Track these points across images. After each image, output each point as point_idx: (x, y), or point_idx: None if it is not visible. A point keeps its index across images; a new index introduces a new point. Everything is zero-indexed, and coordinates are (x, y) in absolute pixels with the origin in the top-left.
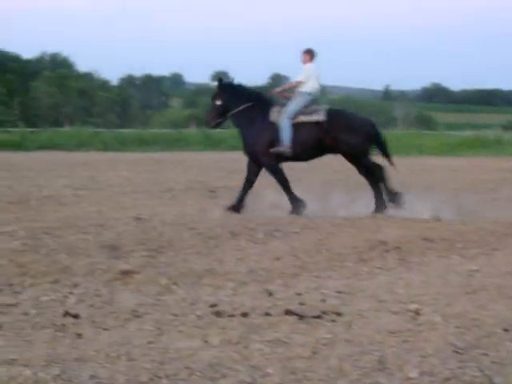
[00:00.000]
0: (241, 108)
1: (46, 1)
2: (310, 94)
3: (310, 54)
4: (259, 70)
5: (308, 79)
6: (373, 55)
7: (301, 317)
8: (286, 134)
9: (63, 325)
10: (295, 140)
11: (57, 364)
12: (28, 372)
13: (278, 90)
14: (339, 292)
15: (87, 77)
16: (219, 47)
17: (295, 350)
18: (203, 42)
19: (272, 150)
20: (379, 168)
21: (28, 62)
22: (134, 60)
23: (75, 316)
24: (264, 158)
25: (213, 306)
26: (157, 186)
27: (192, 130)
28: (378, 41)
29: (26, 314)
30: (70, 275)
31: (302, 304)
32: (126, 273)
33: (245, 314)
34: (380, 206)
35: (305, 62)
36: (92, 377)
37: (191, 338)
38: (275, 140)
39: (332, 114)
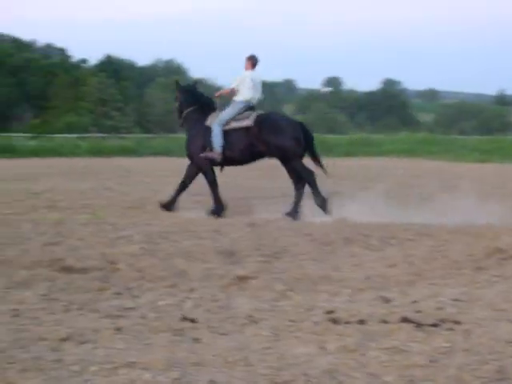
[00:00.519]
0: (187, 110)
1: (159, 9)
2: (243, 102)
3: (251, 61)
4: (371, 76)
5: (242, 87)
6: (487, 60)
7: (418, 325)
8: (216, 141)
9: (181, 329)
10: (227, 146)
11: (176, 368)
12: (147, 375)
13: (217, 94)
14: (456, 300)
15: (201, 83)
16: (331, 52)
17: (413, 359)
18: (315, 48)
19: (201, 155)
20: (310, 173)
21: (143, 68)
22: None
23: (193, 320)
24: (197, 161)
25: (329, 312)
26: (269, 191)
27: None
28: (493, 46)
29: (144, 317)
30: (186, 280)
31: (418, 312)
32: (242, 278)
33: (361, 321)
34: (293, 211)
35: (246, 68)
36: (210, 381)
37: (308, 344)
38: (207, 145)
39: (261, 118)
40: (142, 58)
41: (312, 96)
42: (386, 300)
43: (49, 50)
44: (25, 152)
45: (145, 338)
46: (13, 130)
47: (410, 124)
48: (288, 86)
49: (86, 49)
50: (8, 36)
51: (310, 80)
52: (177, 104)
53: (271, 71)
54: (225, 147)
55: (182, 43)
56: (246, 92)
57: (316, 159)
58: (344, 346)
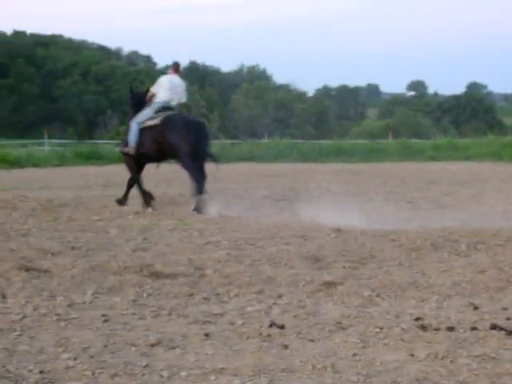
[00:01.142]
0: (129, 112)
1: (241, 16)
2: (159, 103)
3: (173, 67)
4: (456, 79)
5: (160, 90)
6: None
7: (508, 332)
8: (131, 137)
9: (269, 335)
10: (140, 142)
11: (264, 374)
12: (237, 381)
13: (147, 99)
14: None
15: (284, 89)
16: (415, 56)
17: (504, 366)
18: (399, 52)
19: (121, 149)
20: (196, 174)
21: (227, 74)
22: (329, 71)
23: (281, 327)
24: (124, 156)
25: (418, 319)
26: (356, 196)
27: (389, 141)
28: None
29: (232, 323)
30: (273, 286)
31: (508, 319)
32: (329, 284)
33: (451, 328)
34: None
35: (169, 73)
36: None
37: (396, 351)
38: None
39: (165, 118)
40: (227, 64)
41: (396, 100)
42: (475, 307)
43: (134, 57)
44: (111, 158)
45: (233, 344)
46: (99, 137)
47: (496, 128)
48: (372, 90)
49: (171, 56)
50: (95, 44)
51: (394, 84)
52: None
53: (354, 76)
54: (138, 143)
55: (266, 49)
56: (163, 94)
57: (211, 160)
58: (433, 354)
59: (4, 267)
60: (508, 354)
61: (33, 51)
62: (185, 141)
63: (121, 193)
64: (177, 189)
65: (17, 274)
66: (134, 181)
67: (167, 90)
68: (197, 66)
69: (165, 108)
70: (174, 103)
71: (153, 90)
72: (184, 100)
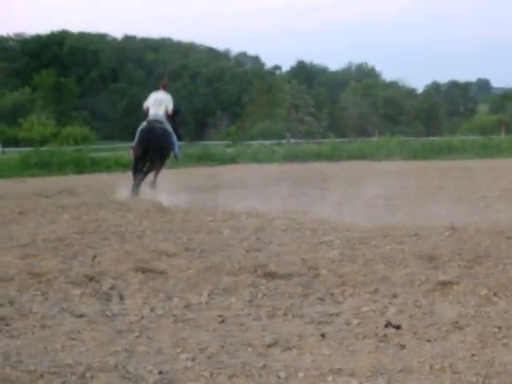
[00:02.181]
0: None
1: (346, 14)
2: (149, 116)
3: (161, 85)
4: None
5: (148, 106)
6: None
7: None
8: (135, 140)
9: (385, 335)
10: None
11: (382, 375)
12: (354, 382)
13: (144, 112)
14: None
15: (393, 86)
16: None
17: None
18: (510, 45)
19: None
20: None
21: (335, 73)
22: (439, 67)
23: (397, 327)
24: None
25: None
26: (469, 193)
27: (501, 136)
28: None
29: (347, 323)
30: (388, 285)
31: None
32: (444, 283)
33: None
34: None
35: (158, 90)
36: None
37: None
38: None
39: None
40: (334, 62)
41: (508, 95)
42: None
43: (242, 58)
44: (224, 159)
45: (350, 345)
46: (209, 138)
47: None
48: (482, 85)
49: (279, 56)
50: (203, 46)
51: (506, 79)
52: None
53: (464, 71)
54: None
55: (374, 46)
56: (151, 109)
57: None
58: None
59: (121, 269)
60: None
61: (142, 55)
62: (137, 146)
63: (231, 193)
64: (287, 188)
65: (133, 276)
66: (133, 175)
67: (153, 106)
68: (304, 66)
69: (152, 120)
70: (161, 113)
71: (144, 105)
72: (170, 109)
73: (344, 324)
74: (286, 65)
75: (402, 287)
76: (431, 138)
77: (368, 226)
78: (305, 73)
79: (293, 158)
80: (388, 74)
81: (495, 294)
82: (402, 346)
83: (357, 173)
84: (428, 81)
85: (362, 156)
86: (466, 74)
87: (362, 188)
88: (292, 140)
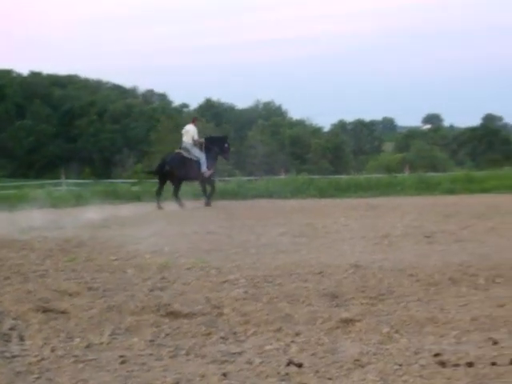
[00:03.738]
0: None
1: (256, 54)
2: (182, 143)
3: (192, 119)
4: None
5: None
6: None
7: None
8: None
9: (287, 374)
10: None
11: None
12: None
13: None
14: None
15: (300, 124)
16: (431, 89)
17: None
18: (414, 86)
19: None
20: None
21: (243, 111)
22: (345, 106)
23: (299, 365)
24: None
25: (437, 355)
26: (374, 231)
27: (406, 174)
28: None
29: (250, 362)
30: (291, 324)
31: None
32: (347, 321)
33: (470, 364)
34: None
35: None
36: None
37: None
38: None
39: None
40: (242, 100)
41: (412, 134)
42: (495, 341)
43: (150, 95)
44: (129, 197)
45: None
46: (117, 176)
47: None
48: (387, 124)
49: (187, 93)
50: (110, 83)
51: (410, 118)
52: None
53: (370, 111)
54: None
55: (281, 85)
56: (183, 138)
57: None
58: None
59: (22, 309)
60: None
61: (49, 91)
62: (160, 171)
63: (136, 231)
64: (193, 227)
65: (34, 316)
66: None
67: (183, 136)
68: (212, 104)
69: (182, 147)
70: (189, 142)
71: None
72: (195, 138)
73: (246, 363)
74: (194, 102)
75: (304, 325)
76: (338, 176)
77: (273, 264)
78: (212, 111)
79: (198, 196)
80: (295, 113)
81: (397, 332)
82: None
83: (263, 211)
84: (334, 119)
85: (268, 194)
86: (372, 113)
87: (268, 226)
88: None
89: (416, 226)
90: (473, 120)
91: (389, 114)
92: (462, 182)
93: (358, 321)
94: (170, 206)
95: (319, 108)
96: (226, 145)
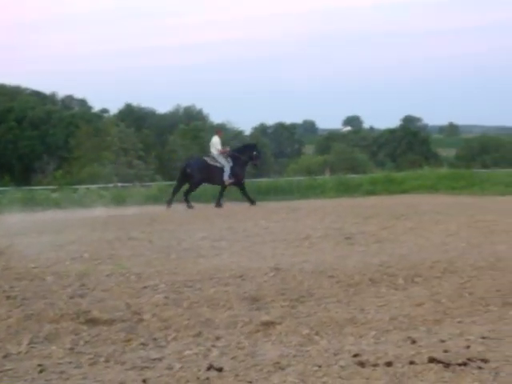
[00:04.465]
0: None
1: (177, 58)
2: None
3: (216, 131)
4: (391, 113)
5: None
6: (506, 92)
7: (446, 364)
8: None
9: (207, 378)
10: None
11: None
12: None
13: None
14: (484, 338)
15: (221, 128)
16: (350, 92)
17: None
18: (334, 88)
19: None
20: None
21: (163, 116)
22: (265, 109)
23: (219, 369)
24: None
25: (356, 355)
26: (294, 234)
27: (326, 177)
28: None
29: (170, 368)
30: (212, 328)
31: (446, 351)
32: (267, 324)
33: (389, 363)
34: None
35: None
36: None
37: None
38: None
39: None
40: (163, 105)
41: (332, 136)
42: (413, 340)
43: (69, 101)
44: (48, 204)
45: None
46: (37, 183)
47: (432, 160)
48: (308, 127)
49: (107, 99)
50: (29, 89)
51: (330, 120)
52: None
53: (290, 113)
54: None
55: (201, 89)
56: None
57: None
58: None
59: None
60: None
61: None
62: (181, 174)
63: (56, 238)
64: (114, 233)
65: None
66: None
67: (211, 147)
68: (132, 109)
69: (209, 155)
70: (213, 151)
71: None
72: (219, 148)
73: (166, 369)
74: (114, 108)
75: (225, 329)
76: (259, 180)
77: (194, 269)
78: (133, 116)
79: (120, 202)
80: (216, 117)
81: (317, 333)
82: None
83: (184, 215)
84: (255, 123)
85: (191, 199)
86: (293, 116)
87: (189, 231)
88: (119, 184)
89: (336, 228)
90: (392, 122)
91: (309, 117)
92: (382, 183)
93: (279, 323)
94: (95, 211)
95: (240, 112)
96: (255, 152)
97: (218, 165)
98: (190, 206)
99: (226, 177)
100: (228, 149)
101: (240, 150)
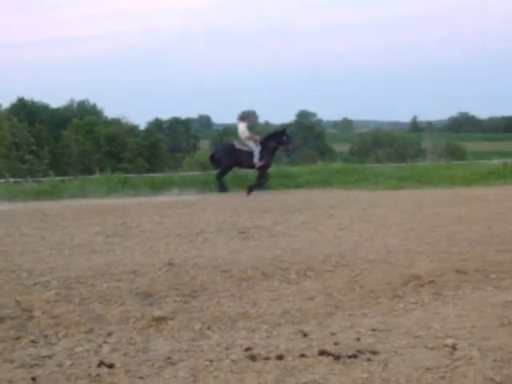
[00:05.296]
0: None
1: (70, 51)
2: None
3: (241, 117)
4: (286, 108)
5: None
6: (398, 87)
7: (336, 357)
8: None
9: (98, 375)
10: None
11: None
12: None
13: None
14: (374, 330)
15: (115, 123)
16: (245, 86)
17: None
18: (230, 83)
19: None
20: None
21: (57, 110)
22: (160, 104)
23: (110, 366)
24: None
25: (248, 349)
26: (188, 229)
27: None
28: (403, 73)
29: (60, 365)
30: (103, 324)
31: (336, 344)
32: (159, 319)
33: (280, 357)
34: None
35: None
36: None
37: (226, 383)
38: None
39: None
40: (56, 99)
41: (228, 131)
42: (305, 334)
43: None
44: None
45: None
46: None
47: (326, 154)
48: (203, 121)
49: None
50: None
51: (226, 115)
52: None
53: (186, 108)
54: None
55: (96, 83)
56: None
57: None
58: (263, 383)
59: None
60: (336, 378)
61: None
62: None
63: None
64: (5, 229)
65: None
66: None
67: (238, 133)
68: (25, 103)
69: (237, 140)
70: (240, 136)
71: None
72: (246, 135)
73: (56, 366)
74: (6, 102)
75: (117, 325)
76: (154, 175)
77: (86, 265)
78: (26, 110)
79: (12, 197)
80: (110, 112)
81: (209, 328)
82: None
83: (78, 211)
84: (150, 118)
85: (83, 194)
86: (188, 111)
87: (82, 226)
88: (11, 179)
89: (231, 223)
90: (287, 117)
91: (205, 112)
92: (277, 177)
93: (171, 318)
94: None
95: (135, 107)
96: (285, 137)
97: (247, 148)
98: (223, 190)
99: (256, 160)
100: (258, 136)
101: (269, 137)
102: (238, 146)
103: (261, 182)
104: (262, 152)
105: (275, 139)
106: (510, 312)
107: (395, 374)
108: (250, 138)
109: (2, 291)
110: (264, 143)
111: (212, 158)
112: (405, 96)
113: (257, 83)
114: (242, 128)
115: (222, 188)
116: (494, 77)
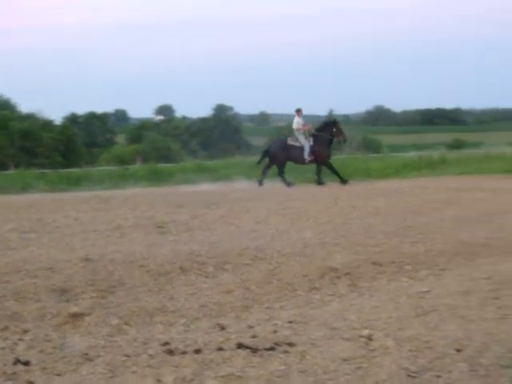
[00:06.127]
0: None
1: None
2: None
3: (297, 111)
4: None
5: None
6: (315, 80)
7: (254, 350)
8: None
9: (14, 373)
10: None
11: None
12: None
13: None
14: (291, 322)
15: (30, 117)
16: (161, 81)
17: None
18: (146, 77)
19: None
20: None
21: None
22: (76, 98)
23: (26, 363)
24: None
25: (165, 344)
26: (105, 224)
27: (137, 166)
28: (319, 65)
29: None
30: (19, 321)
31: (254, 337)
32: (76, 315)
33: (197, 351)
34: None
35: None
36: None
37: (144, 378)
38: None
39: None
40: None
41: (144, 125)
42: (222, 327)
43: None
44: None
45: None
46: None
47: (244, 148)
48: (120, 116)
49: None
50: None
51: (142, 109)
52: None
53: (102, 103)
54: None
55: (10, 77)
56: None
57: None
58: (181, 378)
59: None
60: (253, 371)
61: None
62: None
63: None
64: None
65: None
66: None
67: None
68: None
69: (292, 136)
70: (295, 129)
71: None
72: (299, 127)
73: None
74: None
75: (33, 322)
76: (70, 170)
77: (1, 262)
78: None
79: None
80: (25, 107)
81: (126, 323)
82: (31, 383)
83: None
84: (66, 112)
85: None
86: (104, 105)
87: None
88: None
89: (148, 217)
90: (204, 111)
91: (121, 106)
92: (194, 171)
93: (88, 314)
94: None
95: (50, 101)
96: (334, 129)
97: (298, 144)
98: (289, 184)
99: (306, 155)
100: (310, 125)
101: (320, 129)
102: (290, 141)
103: (338, 174)
104: (313, 147)
105: (327, 130)
106: (425, 302)
107: (312, 365)
108: (303, 130)
109: None
110: (316, 135)
111: (266, 153)
112: (322, 89)
113: (173, 77)
114: (296, 122)
115: (287, 183)
116: (409, 71)
